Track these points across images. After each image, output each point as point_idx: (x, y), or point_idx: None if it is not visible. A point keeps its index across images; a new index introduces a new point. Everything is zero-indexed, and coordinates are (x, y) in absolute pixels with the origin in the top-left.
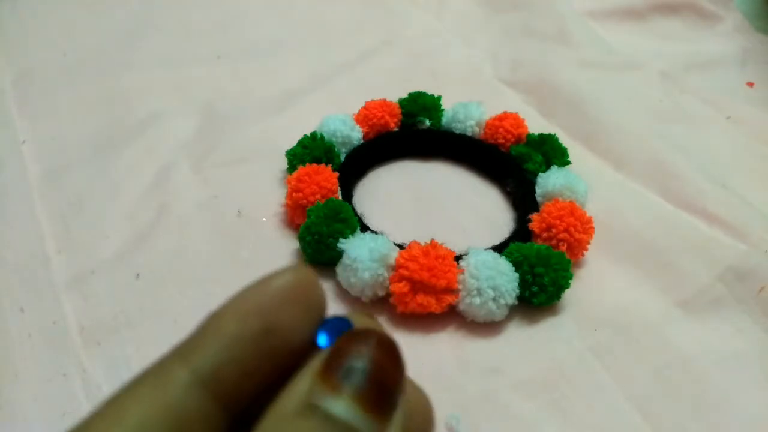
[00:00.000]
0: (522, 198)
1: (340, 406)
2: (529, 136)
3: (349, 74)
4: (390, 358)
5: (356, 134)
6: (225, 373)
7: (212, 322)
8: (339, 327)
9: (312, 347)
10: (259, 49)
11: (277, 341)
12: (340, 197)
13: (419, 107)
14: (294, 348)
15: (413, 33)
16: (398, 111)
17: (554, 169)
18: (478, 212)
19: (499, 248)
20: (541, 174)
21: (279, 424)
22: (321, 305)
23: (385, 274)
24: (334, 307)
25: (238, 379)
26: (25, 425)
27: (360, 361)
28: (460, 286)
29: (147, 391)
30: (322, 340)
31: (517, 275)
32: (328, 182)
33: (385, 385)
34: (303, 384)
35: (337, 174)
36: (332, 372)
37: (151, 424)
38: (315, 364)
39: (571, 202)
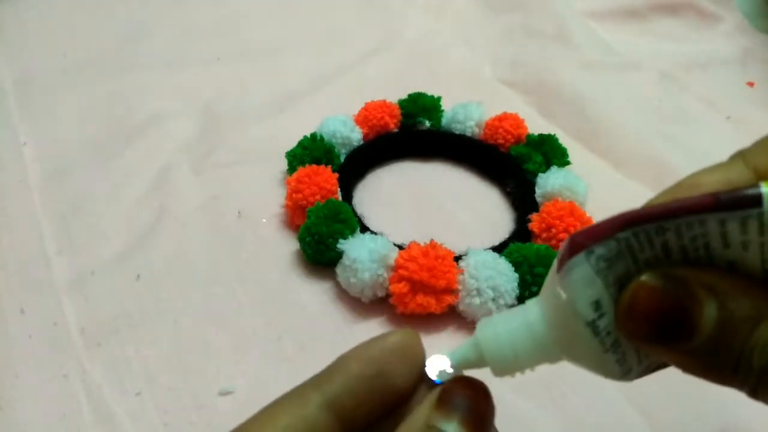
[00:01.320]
0: (522, 198)
1: (452, 427)
2: (528, 136)
3: (349, 75)
4: (485, 399)
5: (356, 135)
6: (346, 401)
7: (341, 362)
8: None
9: (414, 390)
10: (259, 50)
11: (386, 382)
12: (340, 198)
13: (419, 108)
14: (398, 389)
15: (413, 34)
16: (398, 112)
17: (554, 169)
18: (477, 212)
19: (498, 248)
20: (540, 174)
21: None
22: (421, 360)
23: (385, 275)
24: (335, 307)
25: (355, 407)
26: (25, 425)
27: (466, 398)
28: (459, 287)
29: (291, 406)
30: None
31: (516, 275)
32: (327, 183)
33: (483, 417)
34: (423, 411)
35: (336, 175)
36: (446, 403)
37: (293, 429)
38: (432, 396)
39: (570, 202)
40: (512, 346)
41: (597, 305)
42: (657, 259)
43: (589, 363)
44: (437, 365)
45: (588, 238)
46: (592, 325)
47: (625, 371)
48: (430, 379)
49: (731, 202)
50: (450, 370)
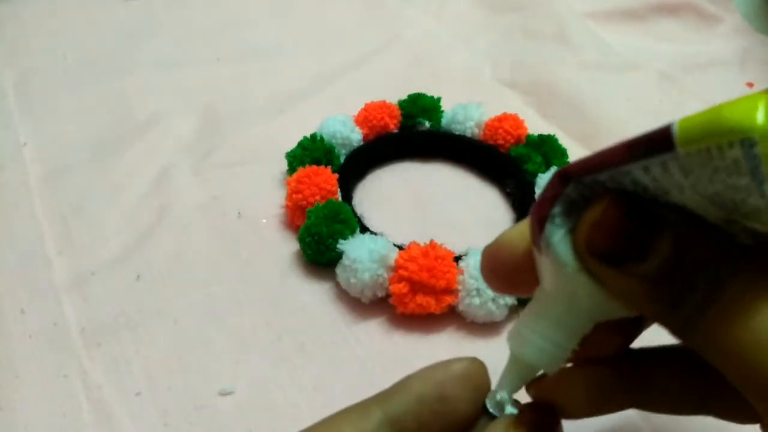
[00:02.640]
0: (521, 199)
1: None
2: (528, 137)
3: (349, 76)
4: (553, 420)
5: (356, 136)
6: (407, 421)
7: (406, 381)
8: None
9: (476, 420)
10: (259, 50)
11: (448, 407)
12: (340, 198)
13: (419, 108)
14: (460, 417)
15: (413, 34)
16: (398, 112)
17: (554, 169)
18: (477, 213)
19: None
20: (540, 175)
21: None
22: (486, 388)
23: (385, 275)
24: (335, 307)
25: (416, 429)
26: (25, 425)
27: (535, 422)
28: (459, 287)
29: (354, 418)
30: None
31: None
32: (327, 183)
33: None
34: None
35: (336, 175)
36: (517, 427)
37: None
38: (502, 423)
39: None
40: (544, 338)
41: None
42: None
43: (605, 308)
44: (494, 398)
45: (541, 209)
46: (583, 269)
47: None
48: (489, 412)
49: (643, 150)
50: (508, 402)
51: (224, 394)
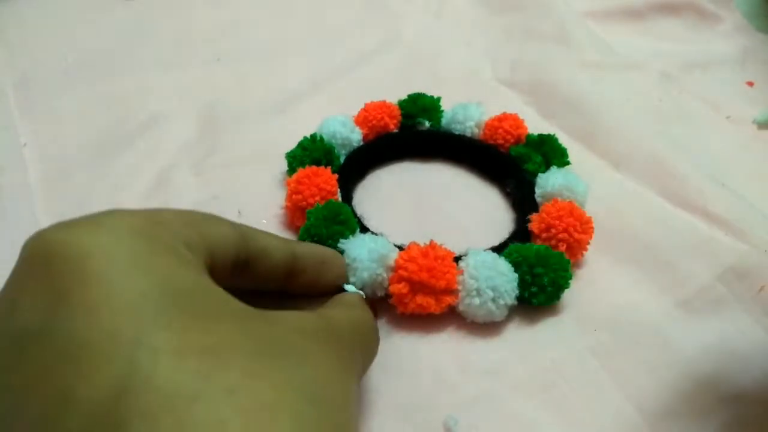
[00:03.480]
0: (521, 198)
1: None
2: (528, 136)
3: (349, 76)
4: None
5: (356, 136)
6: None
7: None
8: None
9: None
10: (258, 51)
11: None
12: (340, 199)
13: (419, 108)
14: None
15: (413, 34)
16: (398, 112)
17: (554, 169)
18: (477, 213)
19: (498, 249)
20: (540, 174)
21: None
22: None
23: (384, 275)
24: None
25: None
26: None
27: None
28: (459, 287)
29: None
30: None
31: (516, 276)
32: (327, 184)
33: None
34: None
35: (336, 176)
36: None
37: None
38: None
39: (570, 202)
40: None
41: None
42: None
43: None
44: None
45: None
46: None
47: None
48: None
49: None
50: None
51: None
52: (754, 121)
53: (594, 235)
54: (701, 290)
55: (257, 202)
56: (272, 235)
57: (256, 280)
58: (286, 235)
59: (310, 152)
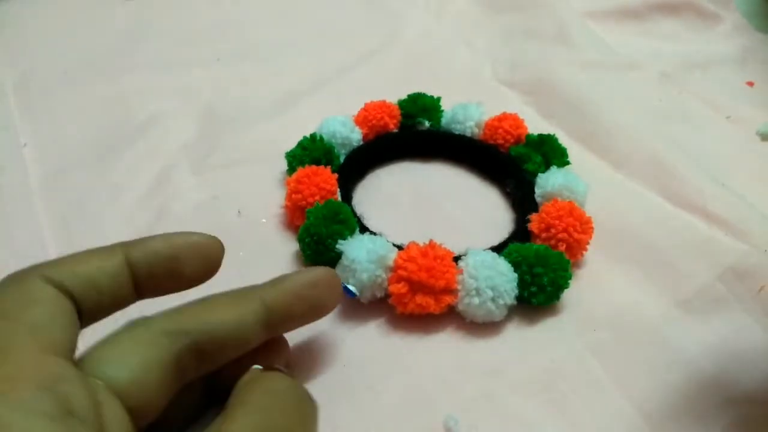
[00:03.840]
0: (521, 198)
1: None
2: (528, 136)
3: (349, 76)
4: None
5: (356, 135)
6: (141, 267)
7: (149, 238)
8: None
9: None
10: (258, 50)
11: (178, 266)
12: (340, 198)
13: (419, 108)
14: (187, 276)
15: (413, 34)
16: (398, 112)
17: (554, 169)
18: (477, 213)
19: (498, 248)
20: (540, 174)
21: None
22: (217, 261)
23: (384, 276)
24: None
25: (147, 275)
26: None
27: None
28: (458, 287)
29: (100, 255)
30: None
31: (516, 275)
32: (327, 183)
33: None
34: None
35: (336, 175)
36: None
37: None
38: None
39: (570, 202)
40: None
41: None
42: None
43: None
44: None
45: None
46: None
47: None
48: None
49: None
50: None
51: None
52: (757, 133)
53: (594, 235)
54: (701, 290)
55: (257, 202)
56: (91, 253)
57: (99, 314)
58: (285, 234)
59: (310, 152)
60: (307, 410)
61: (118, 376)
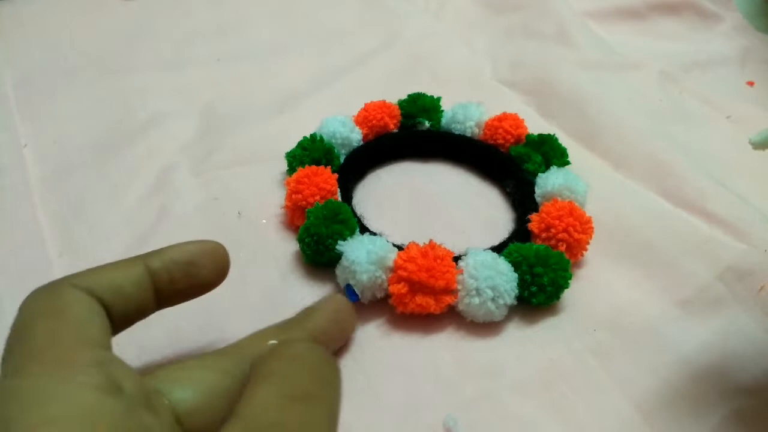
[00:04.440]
0: (521, 198)
1: None
2: (528, 136)
3: (349, 76)
4: None
5: (356, 136)
6: (162, 274)
7: (166, 248)
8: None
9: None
10: (259, 51)
11: (194, 270)
12: (340, 198)
13: (419, 108)
14: (202, 279)
15: (413, 34)
16: (398, 112)
17: (554, 169)
18: (477, 213)
19: (498, 248)
20: (540, 174)
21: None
22: (226, 261)
23: (383, 276)
24: None
25: (167, 281)
26: None
27: None
28: (458, 287)
29: (123, 266)
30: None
31: (516, 275)
32: (327, 184)
33: None
34: None
35: (336, 175)
36: None
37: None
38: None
39: (570, 202)
40: None
41: None
42: None
43: None
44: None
45: None
46: None
47: None
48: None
49: None
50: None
51: None
52: (750, 141)
53: (594, 235)
54: (701, 290)
55: (257, 202)
56: (114, 265)
57: (126, 322)
58: (286, 234)
59: (310, 152)
60: (329, 372)
61: (184, 397)
